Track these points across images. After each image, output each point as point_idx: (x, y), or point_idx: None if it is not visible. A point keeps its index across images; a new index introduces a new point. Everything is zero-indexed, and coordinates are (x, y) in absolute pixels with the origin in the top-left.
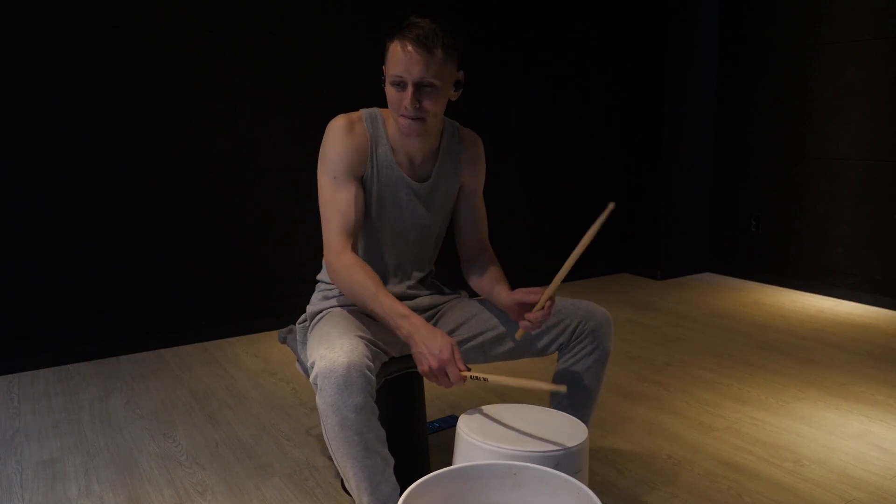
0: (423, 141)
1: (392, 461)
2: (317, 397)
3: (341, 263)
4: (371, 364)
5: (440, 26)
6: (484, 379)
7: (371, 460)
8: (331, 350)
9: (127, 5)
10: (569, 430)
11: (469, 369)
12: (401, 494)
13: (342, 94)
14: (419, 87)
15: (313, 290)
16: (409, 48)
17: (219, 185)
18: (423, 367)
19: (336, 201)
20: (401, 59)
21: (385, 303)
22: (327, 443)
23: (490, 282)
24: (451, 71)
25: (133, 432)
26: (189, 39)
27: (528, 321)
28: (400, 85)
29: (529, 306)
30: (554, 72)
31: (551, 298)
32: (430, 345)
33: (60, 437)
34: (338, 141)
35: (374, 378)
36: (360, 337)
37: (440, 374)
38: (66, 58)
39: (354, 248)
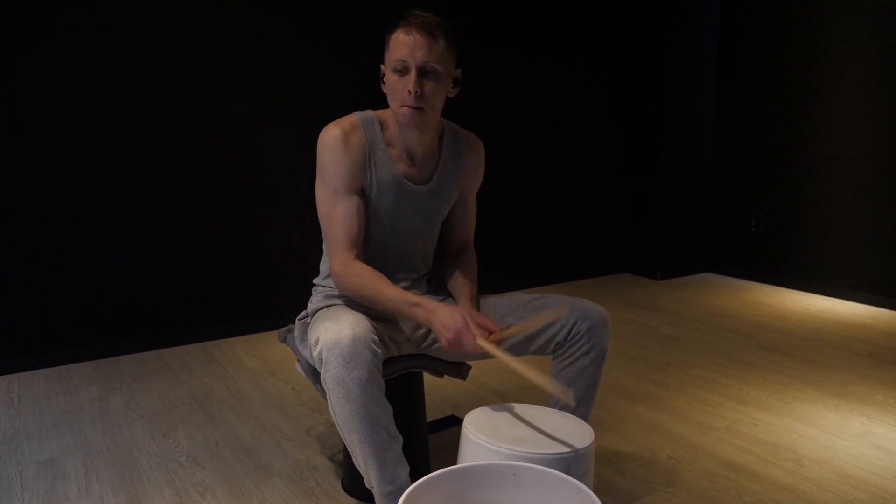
0: (422, 134)
1: (401, 438)
2: (322, 372)
3: (347, 272)
4: (376, 338)
5: (442, 20)
6: (502, 340)
7: (377, 436)
8: (336, 324)
9: (127, 5)
10: (575, 432)
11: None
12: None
13: (342, 94)
14: (422, 73)
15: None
16: (414, 33)
17: (219, 185)
18: (443, 344)
19: (338, 215)
20: (404, 44)
21: (394, 297)
22: (334, 419)
23: (460, 289)
24: (451, 62)
25: (133, 432)
26: (189, 39)
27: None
28: (402, 71)
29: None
30: (554, 72)
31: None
32: (444, 320)
33: (60, 437)
34: (335, 154)
35: (379, 352)
36: (367, 317)
37: (458, 343)
38: (67, 58)
39: (358, 258)
